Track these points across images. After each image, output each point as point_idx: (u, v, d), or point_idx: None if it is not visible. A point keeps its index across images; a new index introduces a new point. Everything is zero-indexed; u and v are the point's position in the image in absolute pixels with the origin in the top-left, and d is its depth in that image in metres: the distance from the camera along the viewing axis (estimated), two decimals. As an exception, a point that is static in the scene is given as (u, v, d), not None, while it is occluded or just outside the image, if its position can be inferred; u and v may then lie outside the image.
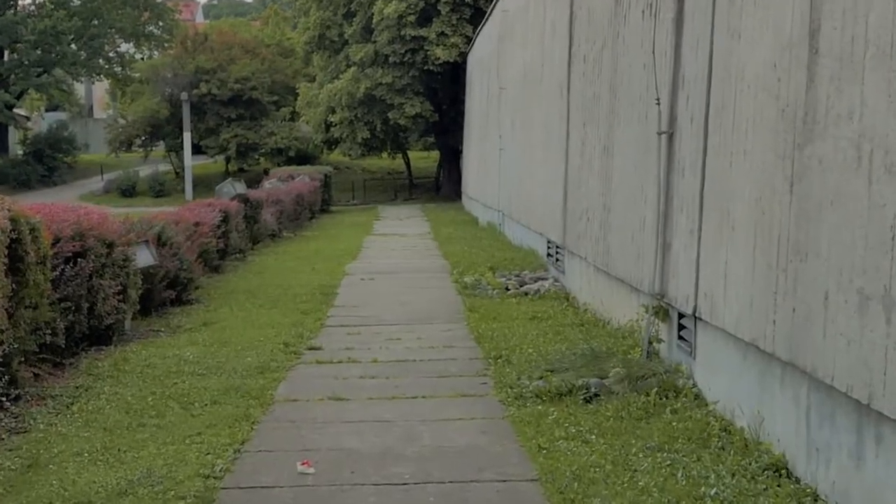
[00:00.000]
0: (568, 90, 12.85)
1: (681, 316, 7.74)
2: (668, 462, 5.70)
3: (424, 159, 52.06)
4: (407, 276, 15.68)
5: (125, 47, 58.43)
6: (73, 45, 54.33)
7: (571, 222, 12.59)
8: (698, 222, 7.10)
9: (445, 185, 42.66)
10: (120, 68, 57.23)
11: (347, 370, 8.71)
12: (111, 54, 57.26)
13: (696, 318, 7.22)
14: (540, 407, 7.02)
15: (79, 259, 9.22)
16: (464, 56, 34.48)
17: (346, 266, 17.07)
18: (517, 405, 7.16)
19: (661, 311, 8.07)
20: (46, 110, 73.55)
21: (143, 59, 58.42)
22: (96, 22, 54.30)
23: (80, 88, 75.35)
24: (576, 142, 12.28)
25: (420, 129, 42.68)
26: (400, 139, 42.23)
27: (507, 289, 13.66)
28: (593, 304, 11.31)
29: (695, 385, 7.24)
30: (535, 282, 14.10)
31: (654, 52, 8.11)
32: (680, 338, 7.76)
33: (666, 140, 7.95)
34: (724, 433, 6.16)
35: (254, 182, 31.21)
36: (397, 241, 22.68)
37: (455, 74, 36.65)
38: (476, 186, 28.84)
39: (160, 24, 56.27)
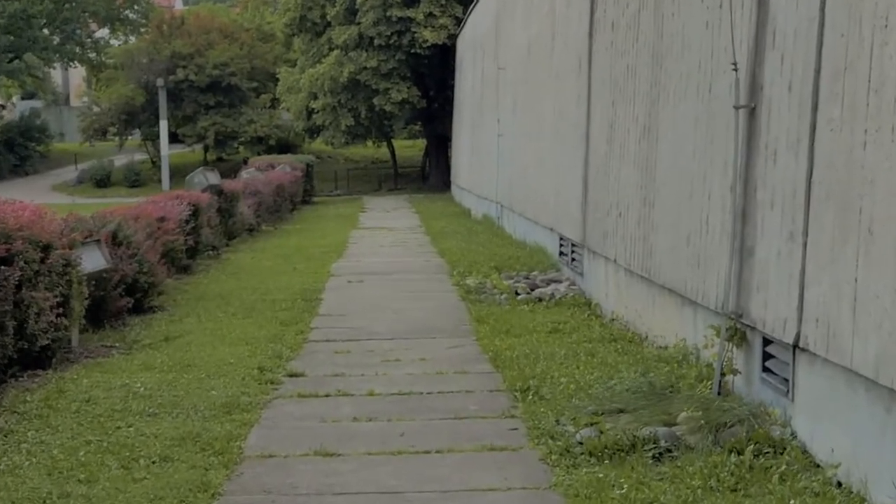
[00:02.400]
0: (589, 65, 11.09)
1: (766, 342, 6.02)
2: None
3: (410, 148, 50.17)
4: (400, 278, 13.90)
5: (100, 32, 56.26)
6: (44, 30, 52.21)
7: (594, 218, 10.86)
8: (803, 223, 5.37)
9: (433, 175, 40.86)
10: (94, 54, 55.06)
11: (337, 408, 6.93)
12: (85, 39, 55.10)
13: (796, 348, 5.49)
14: (598, 470, 5.27)
15: (2, 266, 7.41)
16: (453, 38, 32.65)
17: (330, 265, 15.27)
18: (566, 466, 5.41)
19: (737, 335, 6.34)
20: (22, 98, 71.25)
21: (119, 44, 56.28)
22: (69, 5, 52.12)
23: (56, 76, 73.28)
24: (601, 124, 10.53)
25: (406, 116, 40.79)
26: (385, 127, 40.32)
27: (517, 293, 11.91)
28: (625, 314, 9.59)
29: (794, 435, 5.52)
30: (548, 284, 12.36)
31: (730, 3, 6.35)
32: (766, 370, 6.04)
33: (745, 116, 6.22)
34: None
35: (233, 172, 29.34)
36: (386, 235, 20.88)
37: (444, 58, 34.82)
38: (468, 176, 27.06)
39: (136, 7, 54.09)
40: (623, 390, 6.46)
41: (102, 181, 48.18)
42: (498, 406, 6.83)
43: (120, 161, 49.96)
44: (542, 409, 6.53)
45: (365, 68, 34.67)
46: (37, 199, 34.72)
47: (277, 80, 42.54)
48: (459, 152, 30.85)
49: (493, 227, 20.11)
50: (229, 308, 11.49)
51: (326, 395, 7.25)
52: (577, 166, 11.69)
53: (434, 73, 36.77)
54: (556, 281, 12.52)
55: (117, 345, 9.69)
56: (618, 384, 6.74)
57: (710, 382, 6.53)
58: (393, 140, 44.09)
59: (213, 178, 16.98)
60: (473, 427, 6.32)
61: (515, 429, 6.25)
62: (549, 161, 13.87)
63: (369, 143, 43.99)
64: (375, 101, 35.34)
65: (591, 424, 5.87)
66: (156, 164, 49.58)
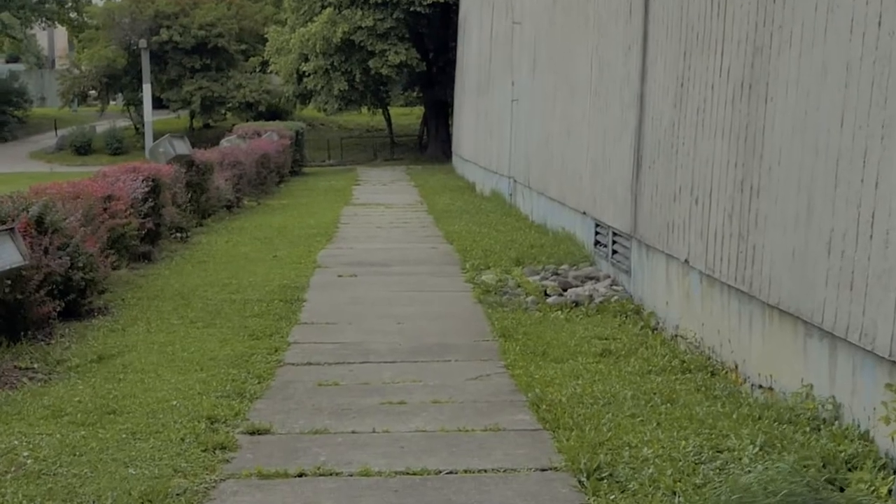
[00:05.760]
0: (646, 6, 8.66)
1: None
2: None
3: (406, 115, 47.52)
4: (402, 271, 11.51)
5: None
6: (21, -12, 49.57)
7: (652, 203, 8.49)
8: None
9: (432, 145, 38.29)
10: (74, 13, 52.35)
11: (317, 500, 4.59)
12: (65, -3, 52.52)
13: None
14: None
15: None
16: (456, -4, 30.07)
17: (318, 253, 12.86)
18: None
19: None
20: (7, 62, 68.55)
21: (100, 3, 53.56)
22: (47, -39, 49.39)
23: (42, 38, 70.63)
24: (664, 82, 8.14)
25: (404, 81, 38.18)
26: (381, 92, 37.67)
27: (547, 294, 9.59)
28: (700, 333, 7.25)
29: None
30: (584, 283, 10.03)
31: None
32: None
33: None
34: None
35: (218, 140, 26.85)
36: (383, 213, 18.44)
37: (446, 17, 32.24)
38: (473, 146, 24.59)
39: (117, -37, 51.26)
40: (760, 489, 4.10)
41: (83, 148, 45.87)
42: (560, 500, 4.48)
43: (101, 127, 47.47)
44: (630, 516, 4.20)
45: (360, 28, 31.99)
46: (13, 167, 32.26)
47: (267, 41, 39.89)
48: (463, 120, 28.33)
49: (505, 205, 17.69)
50: (189, 312, 9.15)
51: (299, 476, 4.89)
52: (626, 136, 9.30)
53: (435, 34, 34.15)
54: (592, 278, 10.18)
55: (35, 366, 7.44)
56: (739, 471, 4.41)
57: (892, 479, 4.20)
58: (389, 107, 41.50)
59: (182, 147, 14.51)
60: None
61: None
62: (583, 130, 11.46)
63: (364, 109, 41.43)
64: (371, 63, 32.71)
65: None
66: (139, 130, 47.00)
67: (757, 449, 4.79)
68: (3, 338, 8.06)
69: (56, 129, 50.88)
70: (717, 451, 4.89)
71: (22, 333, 8.10)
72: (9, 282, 7.90)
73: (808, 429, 5.04)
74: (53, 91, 58.51)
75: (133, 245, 11.20)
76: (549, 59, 13.96)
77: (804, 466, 4.26)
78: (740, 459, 4.72)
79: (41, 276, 8.23)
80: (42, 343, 8.07)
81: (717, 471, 4.62)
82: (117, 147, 45.24)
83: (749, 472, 4.37)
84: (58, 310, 8.49)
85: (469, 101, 25.93)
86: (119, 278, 10.76)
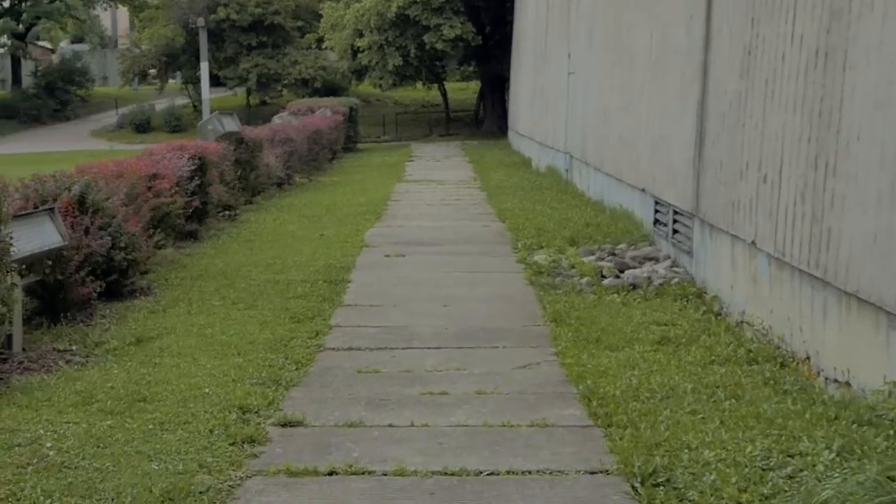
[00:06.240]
0: (710, -30, 8.11)
1: None
2: None
3: (462, 90, 46.95)
4: (451, 251, 11.13)
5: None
6: (84, -32, 50.05)
7: (716, 180, 7.97)
8: None
9: (488, 120, 37.73)
10: (136, -7, 52.71)
11: (346, 501, 4.25)
12: (126, -23, 52.94)
13: None
14: None
15: None
16: (513, -33, 29.39)
17: (366, 231, 12.52)
18: None
19: None
20: (71, 42, 69.59)
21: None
22: (110, -58, 49.74)
23: (105, 18, 71.52)
24: (730, 52, 7.60)
25: (459, 55, 37.58)
26: (436, 67, 37.19)
27: (603, 275, 9.13)
28: (767, 320, 6.75)
29: None
30: (642, 264, 9.55)
31: None
32: None
33: None
34: None
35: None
36: (434, 190, 18.05)
37: (502, -10, 31.63)
38: (529, 121, 24.05)
39: (177, -57, 51.38)
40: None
41: (142, 126, 46.37)
42: (615, 511, 4.09)
43: (161, 105, 47.85)
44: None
45: (414, 2, 31.53)
46: (75, 145, 32.66)
47: (322, 17, 39.63)
48: (519, 95, 27.74)
49: (561, 181, 17.17)
50: (231, 293, 8.90)
51: (330, 474, 4.56)
52: (689, 109, 8.77)
53: (490, 7, 33.49)
54: (651, 259, 9.69)
55: (73, 348, 7.25)
56: (814, 481, 3.96)
57: None
58: (445, 82, 41.00)
59: (230, 124, 14.27)
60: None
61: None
62: (642, 103, 10.92)
63: (419, 85, 41.04)
64: (426, 38, 32.23)
65: None
66: (197, 108, 47.25)
67: (833, 454, 4.33)
68: (44, 319, 7.91)
69: (117, 107, 51.46)
70: (788, 456, 4.44)
71: (62, 315, 7.93)
72: (49, 262, 7.74)
73: (891, 432, 4.55)
74: (115, 70, 59.23)
75: (179, 224, 10.98)
76: (606, 31, 13.39)
77: (889, 478, 3.78)
78: (814, 466, 4.26)
79: (82, 257, 8.04)
80: (82, 324, 7.89)
81: (788, 479, 4.17)
82: (176, 125, 45.53)
83: (825, 483, 3.90)
84: (99, 290, 8.28)
85: (525, 74, 25.37)
86: (164, 258, 10.57)
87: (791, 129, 6.24)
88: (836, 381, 5.57)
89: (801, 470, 4.26)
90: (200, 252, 11.19)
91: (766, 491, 4.06)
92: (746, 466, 4.34)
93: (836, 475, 4.00)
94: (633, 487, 4.28)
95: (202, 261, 10.62)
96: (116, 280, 8.74)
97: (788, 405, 5.22)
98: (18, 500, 4.27)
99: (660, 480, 4.29)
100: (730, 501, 3.99)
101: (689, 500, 4.06)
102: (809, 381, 5.74)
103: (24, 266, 7.25)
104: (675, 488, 4.20)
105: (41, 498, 4.28)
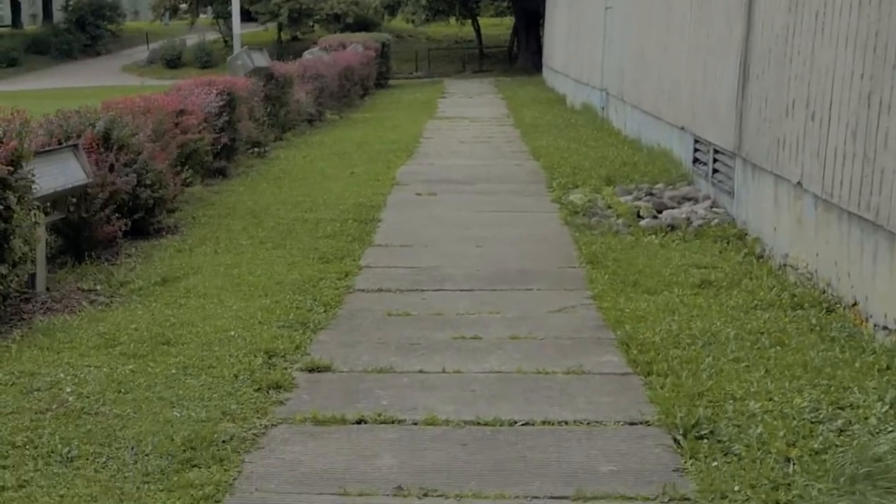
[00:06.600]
0: None
1: None
2: None
3: (496, 26, 46.11)
4: (484, 189, 10.89)
5: None
6: None
7: (760, 118, 7.63)
8: None
9: (522, 56, 37.07)
10: (168, -78, 52.01)
11: (370, 457, 4.09)
12: None
13: None
14: None
15: None
16: None
17: (397, 169, 12.30)
18: None
19: None
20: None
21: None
22: None
23: (142, -51, 70.95)
24: (779, -20, 7.20)
25: (494, -11, 36.93)
26: (470, 2, 36.51)
27: (640, 216, 8.87)
28: (813, 264, 6.48)
29: None
30: (681, 204, 9.25)
31: None
32: None
33: None
34: None
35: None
36: (467, 127, 17.73)
37: (538, -81, 30.78)
38: (564, 57, 23.51)
39: None
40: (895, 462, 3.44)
41: (173, 61, 46.02)
42: (650, 468, 3.88)
43: (192, 40, 47.43)
44: (735, 488, 3.58)
45: (448, -66, 30.86)
46: (106, 80, 32.47)
47: (355, -51, 38.96)
48: (554, 30, 27.12)
49: (596, 119, 16.78)
50: (259, 231, 8.75)
51: (358, 423, 4.41)
52: (732, 45, 8.39)
53: (526, -61, 32.79)
54: (690, 199, 9.39)
55: (98, 288, 7.13)
56: (867, 435, 3.74)
57: None
58: (478, 17, 40.24)
59: (260, 59, 14.00)
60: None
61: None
62: (682, 39, 10.50)
63: (452, 20, 40.31)
64: (459, -29, 31.61)
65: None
66: (228, 43, 46.79)
67: (886, 407, 4.11)
68: (68, 258, 7.80)
69: (148, 42, 51.17)
70: (838, 408, 4.22)
71: (87, 254, 7.81)
72: (73, 200, 7.59)
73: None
74: (146, 5, 58.84)
75: (207, 161, 10.81)
76: (646, -39, 12.89)
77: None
78: (866, 419, 4.04)
79: (107, 194, 7.89)
80: (107, 264, 7.75)
81: (838, 433, 3.96)
82: (206, 60, 45.17)
83: (878, 437, 3.69)
84: (124, 229, 8.15)
85: (561, 9, 24.74)
86: (192, 195, 10.42)
87: (842, 65, 5.89)
88: (885, 328, 5.31)
89: (853, 423, 4.04)
90: (229, 189, 11.04)
91: (816, 445, 3.85)
92: (794, 419, 4.13)
93: (891, 428, 3.79)
94: (675, 440, 4.09)
95: (230, 198, 10.47)
96: (142, 218, 8.61)
97: (836, 353, 4.99)
98: (36, 447, 4.16)
99: (703, 433, 4.09)
100: (778, 456, 3.78)
101: (735, 455, 3.86)
102: (858, 328, 5.49)
103: (47, 204, 7.11)
104: (719, 441, 4.01)
105: (59, 446, 4.16)
